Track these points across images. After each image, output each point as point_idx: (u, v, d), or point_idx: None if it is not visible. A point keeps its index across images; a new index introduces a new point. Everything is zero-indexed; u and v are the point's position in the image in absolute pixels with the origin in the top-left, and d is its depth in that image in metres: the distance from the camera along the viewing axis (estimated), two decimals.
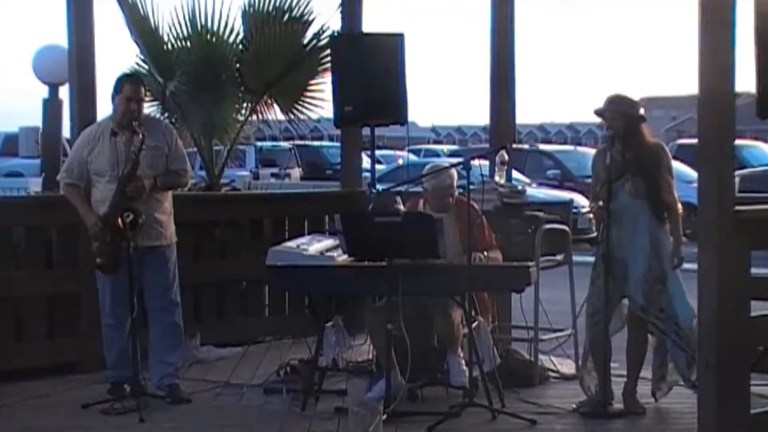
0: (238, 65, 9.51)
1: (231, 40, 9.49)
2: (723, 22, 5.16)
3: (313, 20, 9.49)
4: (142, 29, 9.22)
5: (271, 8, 9.42)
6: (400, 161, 25.67)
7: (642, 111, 6.58)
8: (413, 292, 6.44)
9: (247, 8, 9.43)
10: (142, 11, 9.22)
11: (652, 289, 6.39)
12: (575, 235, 7.83)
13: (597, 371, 6.56)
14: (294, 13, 9.46)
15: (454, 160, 10.70)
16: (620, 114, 6.44)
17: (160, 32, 9.33)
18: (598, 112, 6.52)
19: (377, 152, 8.73)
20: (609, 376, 6.48)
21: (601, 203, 6.48)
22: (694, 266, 5.34)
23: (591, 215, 6.69)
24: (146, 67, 9.33)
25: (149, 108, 9.21)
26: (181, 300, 7.03)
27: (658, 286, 6.39)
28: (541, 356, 7.39)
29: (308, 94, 9.69)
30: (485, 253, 6.73)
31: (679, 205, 6.46)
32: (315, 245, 7.22)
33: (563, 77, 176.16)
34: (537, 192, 16.30)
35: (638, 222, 6.40)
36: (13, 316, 7.45)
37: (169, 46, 9.40)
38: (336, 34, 9.03)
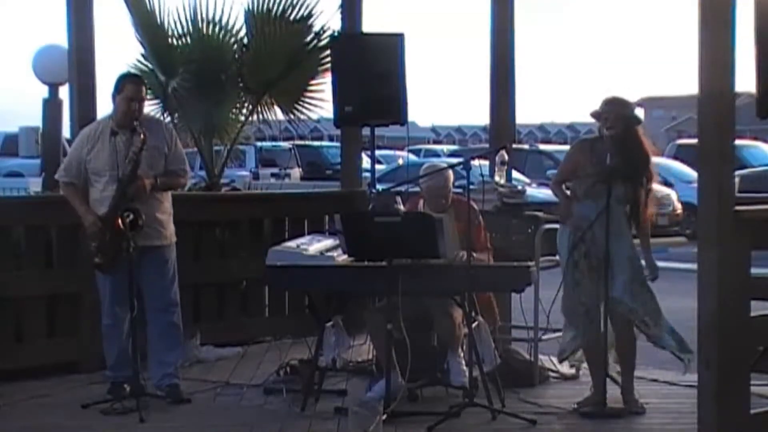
0: (238, 65, 9.52)
1: (231, 39, 9.50)
2: (723, 21, 5.16)
3: (313, 20, 9.51)
4: (147, 25, 9.22)
5: (271, 8, 9.43)
6: (400, 161, 25.68)
7: (636, 111, 6.62)
8: (413, 292, 6.44)
9: (249, 8, 9.43)
10: (148, 5, 9.23)
11: (638, 290, 6.43)
12: None
13: (595, 372, 6.57)
14: (294, 13, 9.46)
15: (454, 160, 10.71)
16: (620, 116, 6.46)
17: (165, 28, 9.33)
18: (595, 114, 6.53)
19: (377, 152, 8.73)
20: (606, 375, 6.50)
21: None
22: (694, 266, 5.34)
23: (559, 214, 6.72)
24: (149, 66, 9.33)
25: (151, 107, 9.24)
26: (181, 300, 7.03)
27: (640, 286, 6.44)
28: (541, 356, 7.39)
29: (308, 94, 9.69)
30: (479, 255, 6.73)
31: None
32: (315, 245, 7.22)
33: (563, 77, 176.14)
34: (537, 192, 16.26)
35: (622, 224, 6.43)
36: (13, 316, 7.45)
37: (174, 42, 9.40)
38: (336, 34, 9.03)
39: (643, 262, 6.54)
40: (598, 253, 6.43)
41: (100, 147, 6.77)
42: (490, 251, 6.93)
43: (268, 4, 9.42)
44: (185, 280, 7.23)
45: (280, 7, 9.42)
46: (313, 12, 9.43)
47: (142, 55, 9.32)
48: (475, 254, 6.60)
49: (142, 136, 6.59)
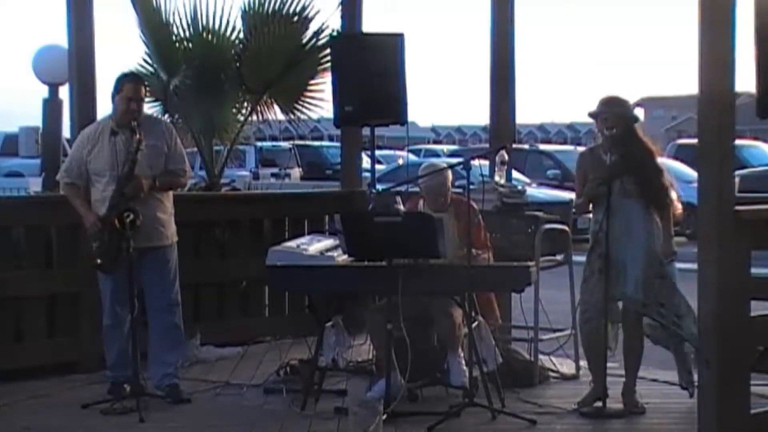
0: (238, 65, 9.51)
1: (231, 39, 9.50)
2: (723, 21, 5.16)
3: (312, 19, 9.51)
4: (152, 23, 9.22)
5: (269, 7, 9.42)
6: (400, 161, 25.67)
7: (634, 111, 6.64)
8: (413, 292, 6.44)
9: (246, 8, 9.43)
10: (154, 3, 9.23)
11: (652, 284, 6.41)
12: (575, 235, 7.83)
13: (593, 371, 6.57)
14: (293, 11, 9.46)
15: (454, 160, 10.70)
16: (619, 116, 6.47)
17: (169, 27, 9.32)
18: (593, 115, 6.54)
19: (377, 152, 8.72)
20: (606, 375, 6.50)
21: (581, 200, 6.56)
22: (694, 266, 5.34)
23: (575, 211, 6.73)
24: (150, 68, 9.34)
25: (152, 108, 9.23)
26: (181, 300, 7.03)
27: (657, 281, 6.41)
28: (541, 356, 7.39)
29: (308, 94, 9.69)
30: (479, 253, 6.74)
31: (677, 205, 6.50)
32: (315, 245, 7.22)
33: (563, 77, 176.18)
34: (537, 192, 16.30)
35: (632, 219, 6.41)
36: (13, 316, 7.45)
37: (177, 40, 9.40)
38: (336, 33, 9.03)
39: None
40: (609, 252, 6.42)
41: (100, 147, 6.77)
42: (490, 250, 6.94)
43: (265, 2, 9.41)
44: (185, 280, 7.23)
45: (275, 4, 9.41)
46: (306, 6, 9.45)
47: (147, 53, 9.31)
48: (479, 254, 6.62)
49: (138, 136, 6.59)
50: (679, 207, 6.57)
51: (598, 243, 6.46)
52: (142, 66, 9.32)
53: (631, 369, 6.59)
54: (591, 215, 6.63)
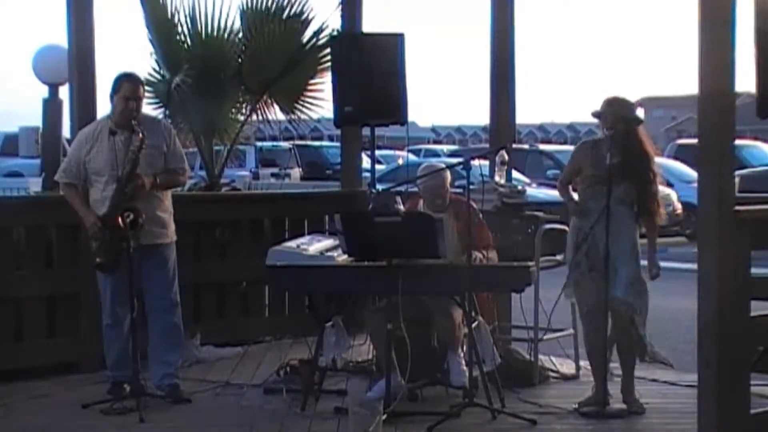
0: (238, 64, 9.51)
1: (231, 39, 9.50)
2: (723, 21, 5.16)
3: (312, 19, 9.52)
4: (157, 19, 9.21)
5: (269, 7, 9.42)
6: (400, 161, 25.67)
7: (638, 112, 6.63)
8: (413, 292, 6.45)
9: (245, 7, 9.43)
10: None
11: (639, 290, 6.43)
12: None
13: (595, 372, 6.57)
14: (292, 11, 9.46)
15: (454, 160, 10.70)
16: (620, 117, 6.47)
17: (174, 23, 9.32)
18: (596, 114, 6.54)
19: (377, 152, 8.72)
20: (607, 376, 6.50)
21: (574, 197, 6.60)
22: (694, 266, 5.33)
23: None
24: (158, 75, 9.34)
25: (158, 113, 9.24)
26: (181, 300, 7.03)
27: (643, 287, 6.45)
28: (541, 356, 7.39)
29: (308, 94, 9.70)
30: (484, 252, 6.75)
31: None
32: (315, 245, 7.22)
33: (563, 77, 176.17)
34: (537, 192, 16.29)
35: (622, 224, 6.42)
36: (13, 316, 7.45)
37: (180, 37, 9.40)
38: (336, 33, 9.04)
39: (644, 262, 6.54)
40: (597, 253, 6.44)
41: (99, 147, 6.77)
42: (492, 248, 6.94)
43: (264, 2, 9.41)
44: (185, 280, 7.23)
45: (275, 4, 9.41)
46: (306, 6, 9.46)
47: (156, 59, 9.31)
48: (484, 252, 6.62)
49: (140, 135, 6.59)
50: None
51: (585, 242, 6.46)
52: (151, 75, 9.34)
53: (627, 367, 6.60)
54: (572, 220, 6.65)
